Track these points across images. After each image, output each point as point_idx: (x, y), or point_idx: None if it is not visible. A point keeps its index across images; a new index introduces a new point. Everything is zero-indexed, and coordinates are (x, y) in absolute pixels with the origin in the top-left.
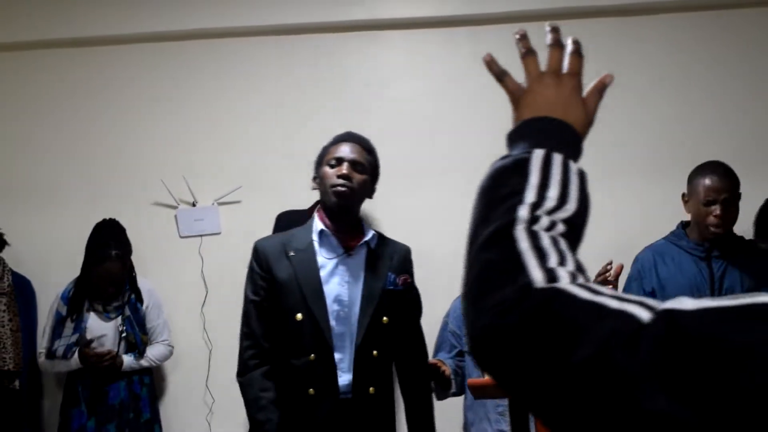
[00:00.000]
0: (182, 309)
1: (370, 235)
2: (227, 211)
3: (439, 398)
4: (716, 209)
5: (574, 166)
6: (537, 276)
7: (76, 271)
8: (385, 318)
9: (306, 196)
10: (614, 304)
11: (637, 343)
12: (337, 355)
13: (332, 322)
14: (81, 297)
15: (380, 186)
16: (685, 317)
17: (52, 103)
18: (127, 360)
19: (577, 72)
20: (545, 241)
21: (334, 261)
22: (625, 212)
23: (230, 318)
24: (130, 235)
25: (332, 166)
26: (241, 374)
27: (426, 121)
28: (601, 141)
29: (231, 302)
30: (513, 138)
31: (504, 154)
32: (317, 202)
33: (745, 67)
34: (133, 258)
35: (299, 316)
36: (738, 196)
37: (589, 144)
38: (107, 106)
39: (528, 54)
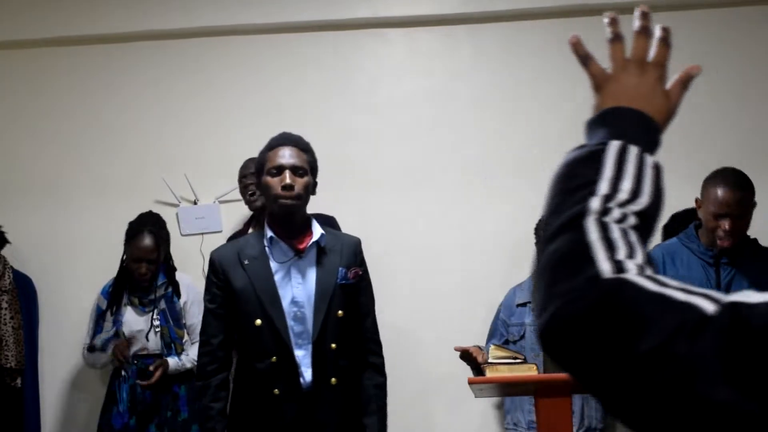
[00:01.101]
0: None
1: (318, 235)
2: (229, 209)
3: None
4: (725, 223)
5: (649, 159)
6: (605, 267)
7: (76, 269)
8: (339, 312)
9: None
10: (680, 296)
11: (702, 335)
12: (299, 354)
13: (290, 323)
14: (120, 289)
15: (378, 182)
16: (750, 310)
17: (53, 101)
18: (172, 362)
19: (663, 62)
20: (615, 233)
21: (287, 264)
22: None
23: None
24: None
25: (274, 175)
26: (197, 379)
27: (426, 119)
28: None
29: None
30: (592, 126)
31: (579, 144)
32: (251, 218)
33: (749, 62)
34: None
35: (258, 321)
36: (751, 207)
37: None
38: (109, 104)
39: (615, 39)
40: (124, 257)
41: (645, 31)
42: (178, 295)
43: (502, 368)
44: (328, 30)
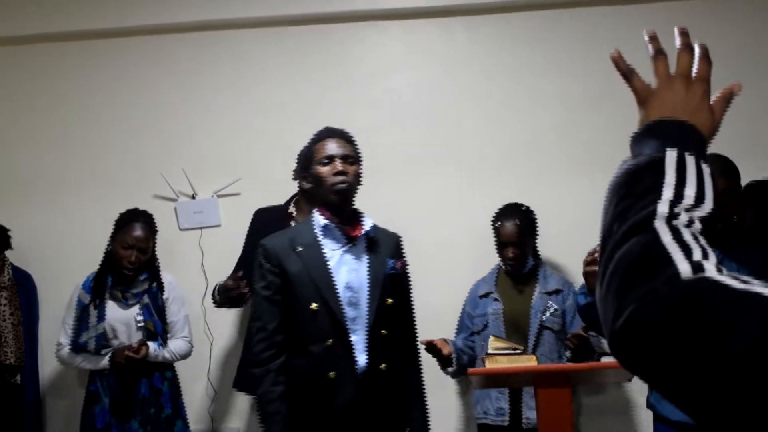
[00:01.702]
0: None
1: (369, 225)
2: (227, 204)
3: (454, 376)
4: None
5: (706, 167)
6: (684, 267)
7: (75, 265)
8: (389, 300)
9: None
10: None
11: None
12: (353, 338)
13: (345, 308)
14: (103, 281)
15: (378, 175)
16: None
17: (51, 97)
18: (152, 346)
19: (706, 77)
20: (687, 236)
21: (340, 252)
22: None
23: (231, 310)
24: None
25: (325, 164)
26: (254, 367)
27: (423, 111)
28: (596, 130)
29: None
30: (640, 138)
31: (635, 154)
32: (294, 196)
33: (744, 55)
34: None
35: (314, 305)
36: (736, 190)
37: (583, 133)
38: (106, 100)
39: (658, 55)
40: (110, 248)
41: (687, 48)
42: (162, 291)
43: (502, 359)
44: (326, 23)
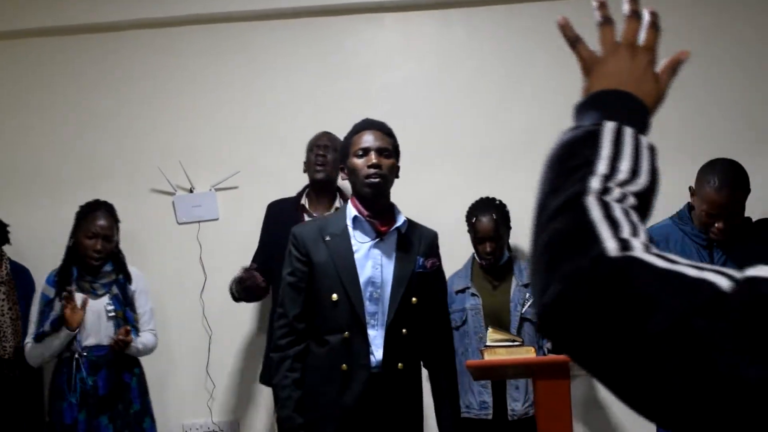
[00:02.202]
0: (181, 295)
1: (401, 221)
2: (225, 197)
3: None
4: (719, 222)
5: (645, 140)
6: (611, 245)
7: None
8: (414, 299)
9: (304, 181)
10: (693, 272)
11: (720, 311)
12: (371, 333)
13: (366, 302)
14: (68, 273)
15: None
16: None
17: (48, 91)
18: (133, 336)
19: (653, 46)
20: (617, 211)
21: (368, 245)
22: None
23: (229, 304)
24: (128, 222)
25: (360, 157)
26: (273, 351)
27: (420, 104)
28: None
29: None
30: (582, 109)
31: (573, 126)
32: (305, 188)
33: (743, 42)
34: (131, 245)
35: (335, 296)
36: (744, 201)
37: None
38: (104, 94)
39: (605, 23)
40: (72, 241)
41: (635, 15)
42: (130, 282)
43: (500, 351)
44: (322, 15)
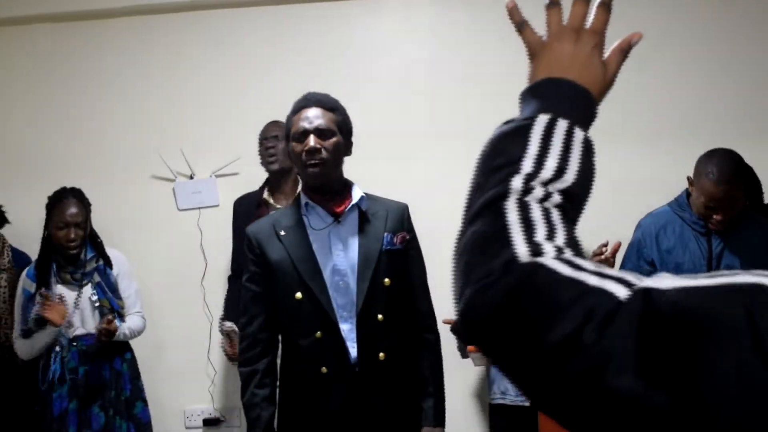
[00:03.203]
0: (182, 282)
1: (357, 197)
2: (225, 183)
3: (464, 356)
4: (717, 215)
5: (579, 134)
6: (522, 251)
7: None
8: (386, 280)
9: None
10: (594, 280)
11: (612, 323)
12: (344, 327)
13: (333, 294)
14: (46, 265)
15: (376, 154)
16: (661, 296)
17: (48, 77)
18: (117, 323)
19: (600, 29)
20: (535, 213)
21: (326, 231)
22: (624, 178)
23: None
24: (129, 208)
25: (298, 140)
26: (240, 366)
27: (421, 89)
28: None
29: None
30: (524, 98)
31: (507, 119)
32: (266, 181)
33: (744, 27)
34: (132, 231)
35: (298, 295)
36: (743, 193)
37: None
38: (103, 80)
39: (551, 5)
40: (46, 232)
41: None
42: (110, 267)
43: None
44: (324, 1)
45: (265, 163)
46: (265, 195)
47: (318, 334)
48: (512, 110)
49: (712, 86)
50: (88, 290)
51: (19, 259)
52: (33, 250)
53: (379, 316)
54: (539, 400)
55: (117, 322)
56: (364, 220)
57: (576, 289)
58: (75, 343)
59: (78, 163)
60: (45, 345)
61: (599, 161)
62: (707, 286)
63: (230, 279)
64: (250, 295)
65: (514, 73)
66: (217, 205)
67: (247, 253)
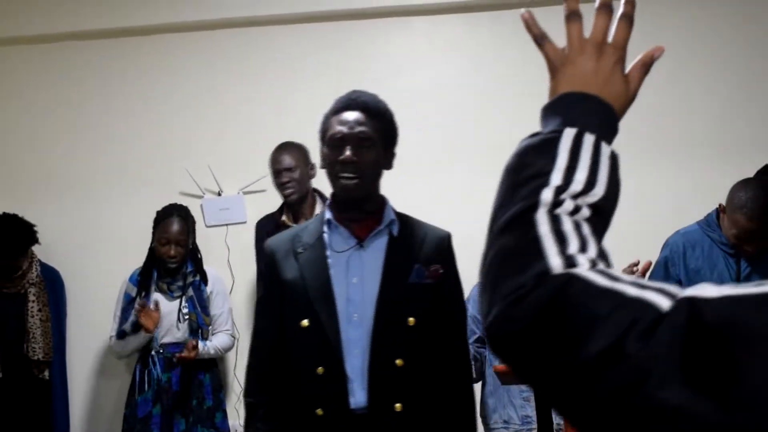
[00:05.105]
0: None
1: (387, 220)
2: (253, 200)
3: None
4: (749, 246)
5: (606, 149)
6: (555, 262)
7: (102, 261)
8: (411, 319)
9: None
10: (633, 291)
11: (655, 333)
12: (352, 366)
13: (344, 327)
14: (148, 274)
15: (402, 172)
16: (706, 305)
17: (77, 95)
18: (201, 345)
19: (622, 43)
20: (567, 225)
21: (346, 255)
22: (654, 196)
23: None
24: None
25: (333, 147)
26: (246, 395)
27: (448, 107)
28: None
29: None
30: (547, 112)
31: (533, 132)
32: (285, 203)
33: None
34: None
35: (305, 322)
36: None
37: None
38: (132, 97)
39: (572, 17)
40: (153, 244)
41: (605, 9)
42: (206, 283)
43: None
44: (351, 19)
45: (283, 196)
46: (284, 217)
47: (320, 369)
48: (537, 127)
49: (741, 104)
50: (181, 302)
51: (49, 273)
52: (60, 266)
53: (398, 361)
54: (577, 417)
55: (201, 343)
56: (393, 246)
57: (614, 300)
58: (162, 350)
59: (107, 180)
60: (136, 348)
61: (627, 179)
62: (753, 294)
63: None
64: (264, 316)
65: (540, 90)
66: (244, 222)
67: (263, 268)
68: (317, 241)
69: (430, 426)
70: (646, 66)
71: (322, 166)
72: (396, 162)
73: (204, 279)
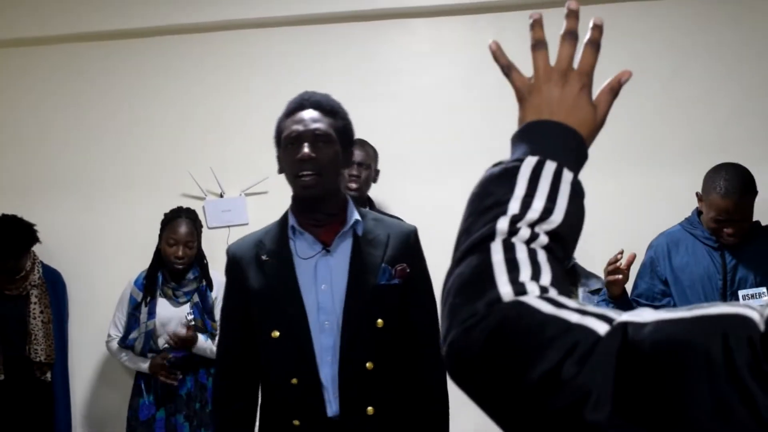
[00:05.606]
0: None
1: (351, 221)
2: (255, 202)
3: None
4: (728, 228)
5: (567, 176)
6: (505, 290)
7: (105, 263)
8: (379, 321)
9: None
10: (575, 318)
11: (589, 357)
12: (326, 374)
13: (317, 336)
14: (154, 277)
15: (403, 174)
16: (639, 329)
17: (78, 96)
18: (201, 339)
19: (587, 70)
20: (521, 253)
21: (312, 261)
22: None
23: None
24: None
25: (289, 147)
26: (213, 405)
27: (450, 109)
28: (613, 129)
29: None
30: (514, 142)
31: (497, 161)
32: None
33: (750, 43)
34: None
35: (275, 333)
36: (752, 205)
37: (610, 130)
38: (133, 99)
39: (537, 46)
40: (159, 246)
41: (570, 36)
42: (212, 288)
43: None
44: (352, 21)
45: (346, 188)
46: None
47: (294, 380)
48: None
49: (739, 106)
50: (185, 309)
51: (51, 275)
52: (62, 268)
53: (368, 364)
54: None
55: (202, 337)
56: (358, 247)
57: (557, 326)
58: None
59: (109, 181)
60: (137, 369)
61: (622, 182)
62: (684, 318)
63: None
64: (229, 327)
65: None
66: (246, 224)
67: (227, 276)
68: (282, 248)
69: (404, 427)
70: (614, 91)
71: (280, 170)
72: (397, 164)
73: (210, 285)
